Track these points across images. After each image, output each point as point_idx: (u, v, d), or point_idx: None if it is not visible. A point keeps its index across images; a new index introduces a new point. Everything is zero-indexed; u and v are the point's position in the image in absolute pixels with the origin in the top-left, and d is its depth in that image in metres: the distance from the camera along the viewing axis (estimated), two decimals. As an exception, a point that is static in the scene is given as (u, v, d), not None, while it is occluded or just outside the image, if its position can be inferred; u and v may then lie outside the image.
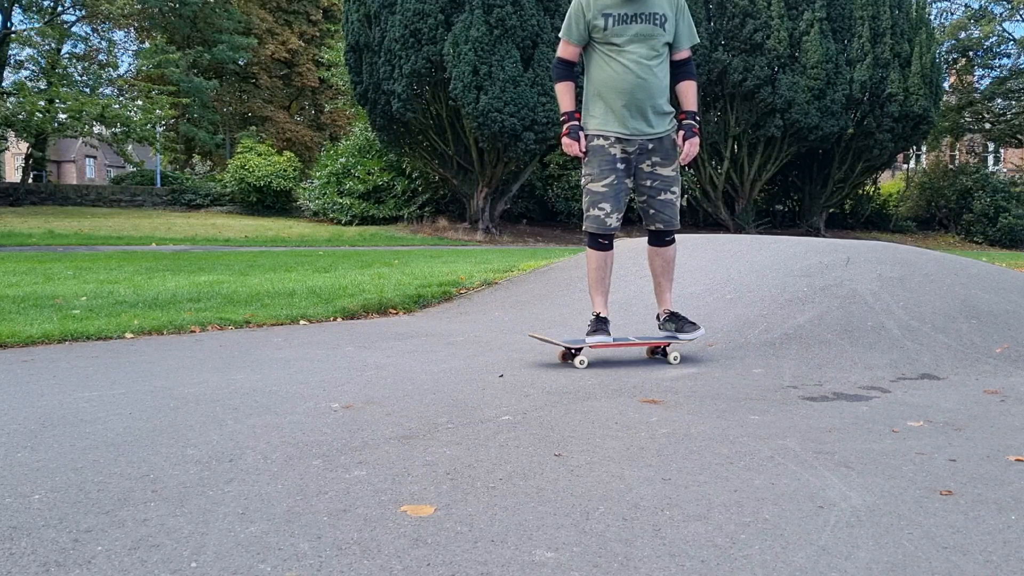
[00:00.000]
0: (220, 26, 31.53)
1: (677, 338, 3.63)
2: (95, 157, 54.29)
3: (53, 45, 26.61)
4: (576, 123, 3.52)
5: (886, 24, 20.20)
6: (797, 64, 19.79)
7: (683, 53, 3.59)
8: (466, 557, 1.50)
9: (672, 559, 1.51)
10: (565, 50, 3.58)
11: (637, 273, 5.08)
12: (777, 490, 1.89)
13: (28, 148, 27.64)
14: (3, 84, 25.23)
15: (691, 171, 20.91)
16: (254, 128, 34.22)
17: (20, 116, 23.03)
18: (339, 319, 5.03)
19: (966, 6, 29.26)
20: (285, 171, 23.41)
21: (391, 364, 3.45)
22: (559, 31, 3.72)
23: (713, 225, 21.84)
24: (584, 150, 3.54)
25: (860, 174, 22.38)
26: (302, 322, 4.83)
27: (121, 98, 27.98)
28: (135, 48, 33.50)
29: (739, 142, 21.21)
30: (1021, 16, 27.97)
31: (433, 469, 2.01)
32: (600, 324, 3.57)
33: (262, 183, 23.01)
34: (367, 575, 1.43)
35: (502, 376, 3.20)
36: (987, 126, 29.40)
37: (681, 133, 3.55)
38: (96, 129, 25.93)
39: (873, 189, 25.23)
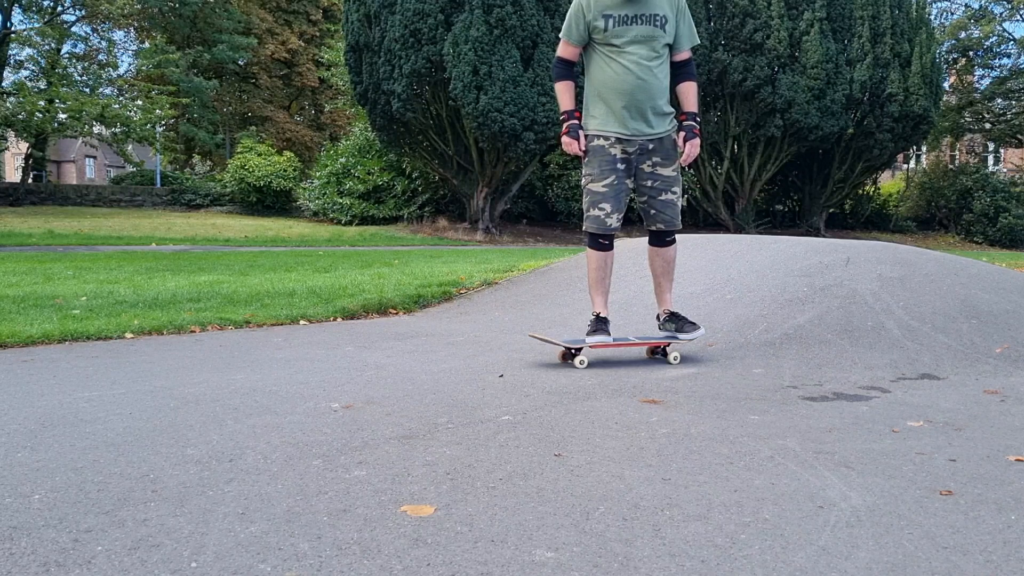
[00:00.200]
0: (220, 26, 31.53)
1: (677, 338, 3.63)
2: (95, 157, 54.29)
3: (53, 45, 26.61)
4: (576, 122, 3.53)
5: (886, 24, 20.21)
6: (797, 64, 19.80)
7: (683, 54, 3.59)
8: (466, 557, 1.50)
9: (672, 559, 1.51)
10: (565, 50, 3.58)
11: (637, 273, 5.08)
12: (777, 490, 1.89)
13: (28, 148, 27.64)
14: (3, 84, 25.23)
15: (691, 171, 20.91)
16: (254, 128, 34.23)
17: (20, 116, 23.04)
18: (339, 319, 5.03)
19: (966, 6, 29.28)
20: (285, 171, 23.41)
21: (391, 364, 3.45)
22: (559, 31, 3.72)
23: (713, 225, 21.85)
24: (584, 150, 3.55)
25: (860, 174, 22.38)
26: (302, 322, 4.83)
27: (121, 98, 27.99)
28: (135, 48, 33.51)
29: (739, 142, 21.22)
30: (1021, 16, 27.97)
31: (433, 469, 2.01)
32: (600, 324, 3.57)
33: (262, 183, 23.01)
34: (367, 575, 1.43)
35: (502, 376, 3.20)
36: (987, 126, 29.40)
37: (682, 134, 3.55)
38: (96, 129, 25.94)
39: (873, 189, 25.24)
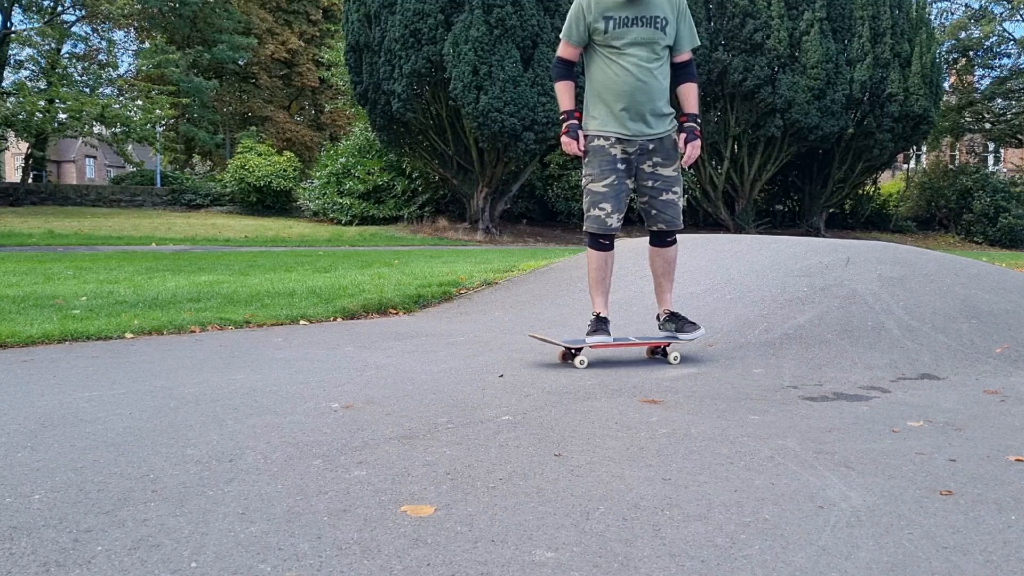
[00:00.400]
0: (220, 26, 31.53)
1: (677, 338, 3.63)
2: (95, 157, 54.29)
3: (53, 45, 26.61)
4: (575, 122, 3.53)
5: (886, 24, 20.21)
6: (797, 64, 19.80)
7: (684, 55, 3.58)
8: (466, 557, 1.50)
9: (672, 559, 1.51)
10: (565, 50, 3.58)
11: (637, 273, 5.08)
12: (777, 490, 1.89)
13: (28, 148, 27.64)
14: (3, 84, 25.23)
15: (691, 171, 20.91)
16: (254, 128, 34.22)
17: (20, 116, 23.04)
18: (339, 319, 5.03)
19: (966, 6, 29.28)
20: (285, 171, 23.41)
21: (391, 364, 3.45)
22: (559, 31, 3.72)
23: (713, 225, 21.85)
24: (584, 150, 3.55)
25: (860, 174, 22.39)
26: (302, 322, 4.83)
27: (121, 98, 27.98)
28: (135, 48, 33.52)
29: (739, 142, 21.22)
30: (1021, 16, 27.97)
31: (433, 469, 2.01)
32: (600, 324, 3.57)
33: (262, 183, 23.01)
34: (367, 575, 1.43)
35: (502, 376, 3.20)
36: (987, 126, 29.40)
37: (683, 136, 3.55)
38: (96, 129, 25.93)
39: (873, 189, 25.24)
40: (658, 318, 3.75)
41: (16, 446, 2.15)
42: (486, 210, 19.07)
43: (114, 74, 29.26)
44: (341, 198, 21.35)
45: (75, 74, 27.20)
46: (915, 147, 26.09)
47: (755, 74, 19.50)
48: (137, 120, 24.84)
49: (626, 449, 2.21)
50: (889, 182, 29.27)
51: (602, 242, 3.58)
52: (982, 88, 28.98)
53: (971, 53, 28.28)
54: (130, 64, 34.97)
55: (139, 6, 28.27)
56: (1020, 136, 28.37)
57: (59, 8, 26.60)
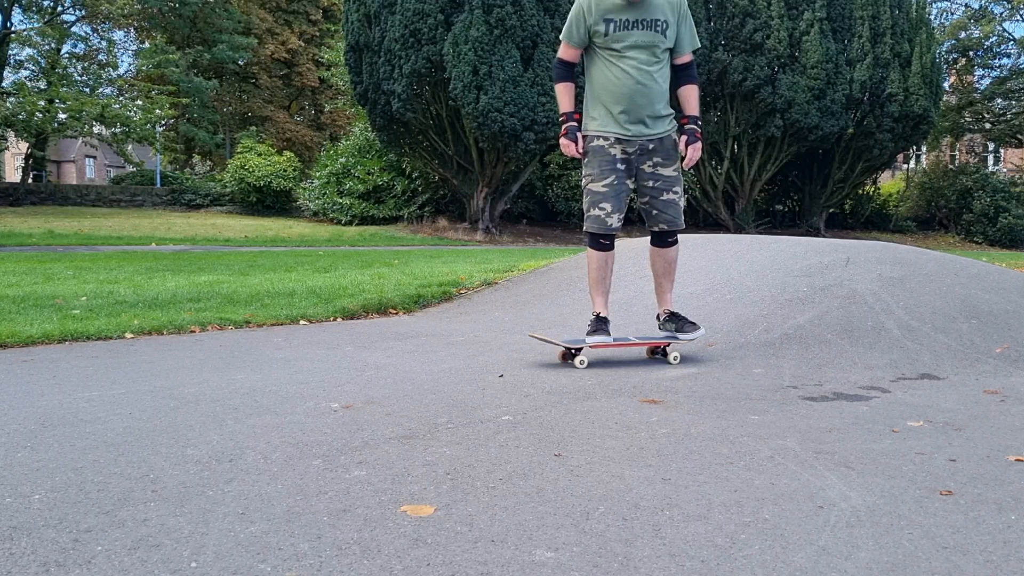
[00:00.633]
0: (220, 26, 31.53)
1: (677, 338, 3.63)
2: (95, 157, 54.29)
3: (53, 45, 26.61)
4: (574, 124, 3.53)
5: (886, 24, 20.20)
6: (797, 64, 19.79)
7: (685, 57, 3.58)
8: (466, 557, 1.50)
9: (672, 559, 1.51)
10: (566, 52, 3.58)
11: (637, 273, 5.08)
12: (777, 490, 1.89)
13: (28, 148, 27.63)
14: (3, 84, 25.23)
15: (691, 171, 20.89)
16: (254, 128, 34.22)
17: (20, 116, 23.04)
18: (339, 319, 5.03)
19: (966, 6, 29.28)
20: (285, 171, 23.41)
21: (391, 364, 3.45)
22: (559, 31, 3.73)
23: (713, 225, 21.85)
24: (584, 151, 3.55)
25: (860, 174, 22.38)
26: (302, 322, 4.83)
27: (121, 98, 27.97)
28: (135, 48, 33.51)
29: (739, 142, 21.22)
30: (1021, 16, 27.97)
31: (433, 469, 2.01)
32: (600, 324, 3.57)
33: (262, 183, 23.01)
34: (367, 575, 1.43)
35: (502, 376, 3.20)
36: (987, 126, 29.40)
37: (684, 138, 3.55)
38: (96, 129, 25.93)
39: (873, 189, 25.24)
40: (658, 318, 3.75)
41: (16, 446, 2.15)
42: (486, 210, 19.07)
43: (114, 74, 29.28)
44: (341, 198, 21.34)
45: (75, 74, 27.21)
46: (915, 147, 26.08)
47: (755, 74, 19.50)
48: (137, 120, 24.84)
49: (626, 449, 2.21)
50: (889, 182, 29.27)
51: (602, 242, 3.58)
52: (982, 88, 28.98)
53: (971, 53, 28.28)
54: (130, 64, 34.98)
55: (139, 6, 28.27)
56: (1020, 136, 28.37)
57: (59, 8, 26.60)
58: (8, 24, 25.11)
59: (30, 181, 27.64)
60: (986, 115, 29.02)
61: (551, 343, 3.57)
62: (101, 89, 26.97)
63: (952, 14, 29.72)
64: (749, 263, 5.00)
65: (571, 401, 2.79)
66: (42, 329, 4.06)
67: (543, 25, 16.91)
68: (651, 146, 3.52)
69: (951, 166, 27.39)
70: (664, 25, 3.43)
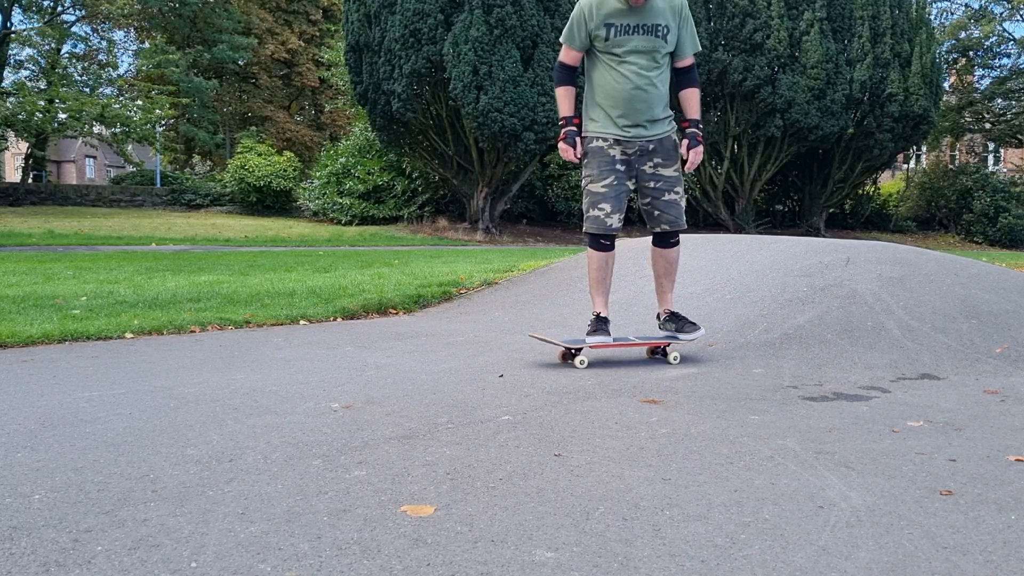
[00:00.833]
0: (220, 26, 31.53)
1: (677, 338, 3.63)
2: (95, 157, 54.29)
3: (53, 45, 26.62)
4: (573, 128, 3.52)
5: (886, 24, 20.20)
6: (797, 64, 19.79)
7: (686, 61, 3.58)
8: (466, 557, 1.50)
9: (672, 559, 1.51)
10: (567, 55, 3.57)
11: (637, 273, 5.08)
12: (777, 490, 1.89)
13: (28, 148, 27.64)
14: (3, 84, 25.23)
15: (691, 171, 20.88)
16: (254, 128, 34.22)
17: (20, 116, 23.04)
18: (339, 319, 5.03)
19: (966, 6, 29.27)
20: (285, 171, 23.41)
21: (391, 364, 3.45)
22: (559, 31, 3.73)
23: (713, 225, 21.84)
24: (583, 153, 3.56)
25: (860, 174, 22.38)
26: (302, 322, 4.83)
27: (121, 98, 27.97)
28: (135, 48, 33.52)
29: (739, 142, 21.21)
30: (1021, 16, 27.97)
31: (433, 469, 2.01)
32: (600, 324, 3.57)
33: (262, 183, 23.01)
34: (367, 575, 1.43)
35: (502, 376, 3.20)
36: (987, 126, 29.39)
37: (685, 142, 3.56)
38: (96, 129, 25.93)
39: (873, 189, 25.23)
40: (658, 317, 3.75)
41: (16, 446, 2.15)
42: (486, 210, 19.07)
43: (114, 74, 29.28)
44: (341, 198, 21.35)
45: (75, 74, 27.22)
46: (915, 147, 26.08)
47: (755, 74, 19.49)
48: (137, 120, 24.84)
49: (626, 449, 2.21)
50: (889, 182, 29.26)
51: (603, 242, 3.58)
52: (982, 88, 28.97)
53: (971, 53, 28.27)
54: (130, 64, 35.00)
55: (139, 6, 28.26)
56: (1020, 136, 28.37)
57: (59, 8, 26.60)
58: (8, 24, 25.11)
59: (30, 181, 27.64)
60: (986, 115, 29.02)
61: (551, 343, 3.57)
62: (101, 89, 26.98)
63: (952, 14, 29.73)
64: (749, 263, 5.00)
65: (571, 401, 2.79)
66: (42, 329, 4.06)
67: (543, 25, 16.91)
68: (651, 147, 3.53)
69: (951, 166, 27.38)
70: (665, 30, 3.43)
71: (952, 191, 24.69)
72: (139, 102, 26.87)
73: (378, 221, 20.81)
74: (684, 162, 3.56)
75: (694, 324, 3.63)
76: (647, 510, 1.75)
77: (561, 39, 3.59)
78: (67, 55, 27.93)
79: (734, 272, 4.87)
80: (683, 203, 3.65)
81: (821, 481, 1.96)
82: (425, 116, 18.20)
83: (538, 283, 5.89)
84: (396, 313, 5.35)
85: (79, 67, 27.98)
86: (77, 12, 27.60)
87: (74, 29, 27.96)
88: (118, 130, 24.66)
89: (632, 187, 3.61)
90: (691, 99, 3.61)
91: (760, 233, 19.11)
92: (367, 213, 20.87)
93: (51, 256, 10.40)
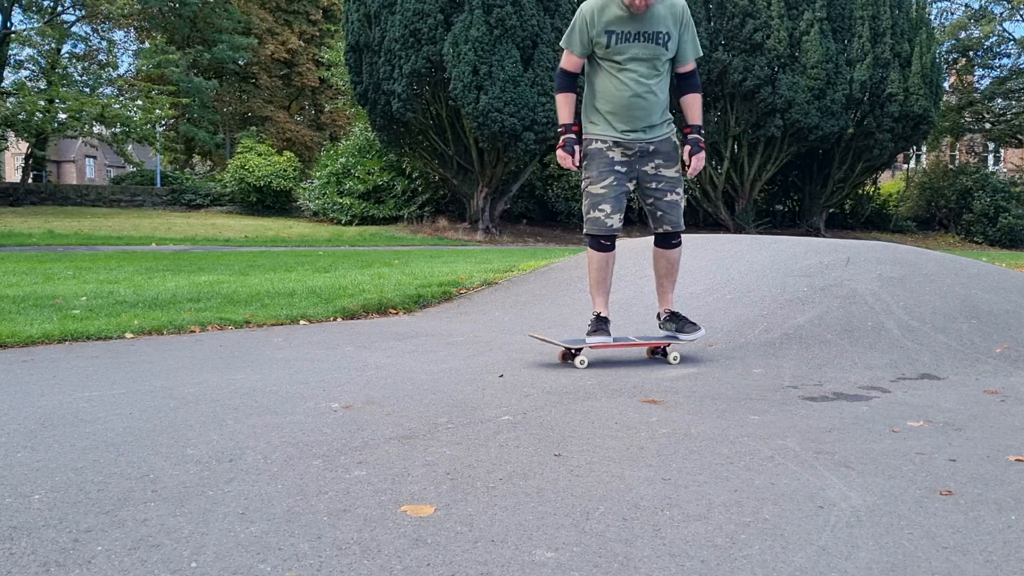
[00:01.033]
0: (220, 26, 31.53)
1: (677, 338, 3.63)
2: (95, 157, 54.29)
3: (53, 45, 26.61)
4: (572, 136, 3.52)
5: (886, 24, 20.20)
6: (797, 64, 19.79)
7: (688, 66, 3.58)
8: (466, 557, 1.50)
9: (672, 559, 1.51)
10: (568, 61, 3.55)
11: (637, 273, 5.08)
12: (777, 490, 1.89)
13: (28, 148, 27.64)
14: (3, 84, 25.23)
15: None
16: (254, 128, 34.21)
17: (20, 116, 23.04)
18: (339, 319, 5.03)
19: (966, 6, 29.27)
20: (285, 171, 23.41)
21: (391, 364, 3.45)
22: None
23: (713, 225, 21.84)
24: (582, 156, 3.57)
25: (860, 174, 22.38)
26: (302, 322, 4.83)
27: (121, 98, 27.97)
28: (135, 48, 33.52)
29: (739, 142, 21.21)
30: (1021, 16, 27.97)
31: (433, 469, 2.01)
32: (600, 324, 3.57)
33: (262, 183, 23.01)
34: (367, 575, 1.43)
35: (502, 376, 3.20)
36: (987, 126, 29.39)
37: (687, 148, 3.56)
38: (96, 129, 25.94)
39: (873, 189, 25.23)
40: (658, 317, 3.75)
41: (16, 446, 2.15)
42: (486, 210, 19.07)
43: (114, 74, 29.29)
44: (341, 198, 21.35)
45: (75, 74, 27.22)
46: (915, 147, 26.07)
47: (755, 74, 19.49)
48: (137, 120, 24.85)
49: (626, 449, 2.21)
50: (889, 182, 29.25)
51: (603, 243, 3.58)
52: (982, 88, 28.97)
53: (971, 53, 28.26)
54: (130, 64, 35.00)
55: (139, 6, 28.26)
56: (1020, 136, 28.36)
57: (59, 8, 26.60)
58: (8, 24, 25.11)
59: (30, 181, 27.64)
60: (986, 115, 29.01)
61: (551, 343, 3.57)
62: (101, 89, 26.98)
63: (952, 14, 29.72)
64: (749, 263, 5.00)
65: (571, 401, 2.79)
66: (42, 329, 4.06)
67: (543, 25, 16.91)
68: (651, 148, 3.53)
69: (951, 166, 27.38)
70: (666, 37, 3.42)
71: (952, 191, 24.69)
72: (139, 102, 26.88)
73: (378, 221, 20.81)
74: (686, 167, 3.56)
75: (694, 324, 3.63)
76: (647, 510, 1.75)
77: (562, 44, 3.58)
78: (67, 55, 27.94)
79: (734, 272, 4.87)
80: (682, 204, 3.66)
81: (821, 481, 1.96)
82: (425, 116, 18.20)
83: (538, 283, 5.89)
84: (396, 313, 5.36)
85: (79, 67, 27.99)
86: (77, 12, 27.61)
87: (74, 29, 27.97)
88: (118, 130, 24.66)
89: (632, 187, 3.62)
90: (693, 104, 3.61)
91: (760, 233, 19.11)
92: (367, 213, 20.87)
93: (51, 256, 10.40)
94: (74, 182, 44.87)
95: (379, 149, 21.13)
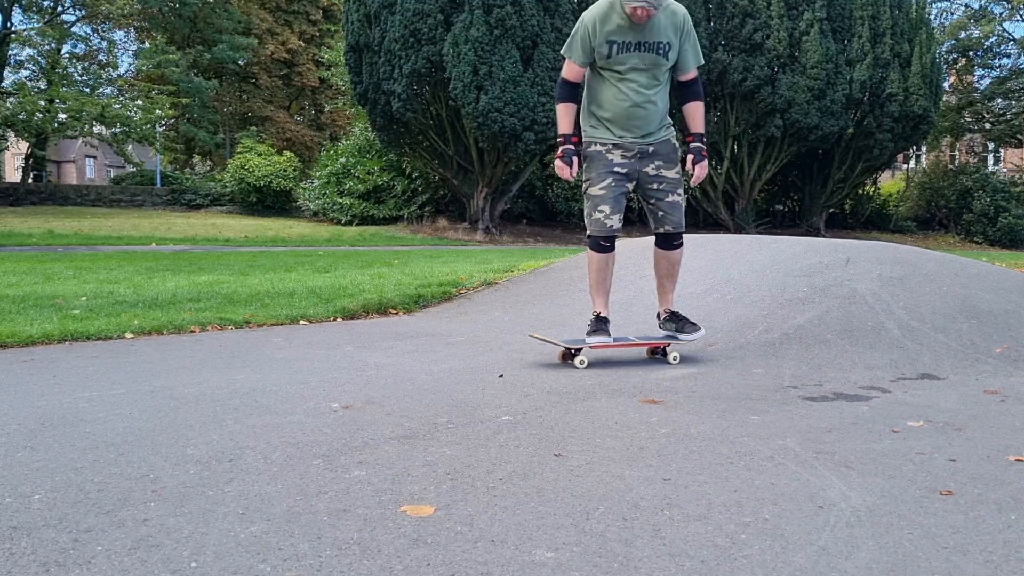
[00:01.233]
0: (220, 26, 31.52)
1: (677, 338, 3.63)
2: (95, 157, 54.28)
3: (53, 45, 26.61)
4: (571, 147, 3.51)
5: (886, 24, 20.20)
6: (797, 64, 19.79)
7: (690, 74, 3.57)
8: (466, 557, 1.50)
9: (672, 559, 1.51)
10: (569, 71, 3.53)
11: (637, 273, 5.08)
12: (777, 490, 1.89)
13: (28, 148, 27.64)
14: (3, 84, 25.22)
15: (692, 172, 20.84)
16: (254, 128, 34.21)
17: (20, 116, 23.03)
18: (339, 319, 5.03)
19: (966, 6, 29.26)
20: (285, 171, 23.41)
21: (391, 364, 3.45)
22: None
23: (713, 225, 21.84)
24: (582, 158, 3.58)
25: (860, 174, 22.37)
26: (302, 322, 4.83)
27: (121, 98, 27.97)
28: (135, 48, 33.51)
29: (739, 142, 21.21)
30: (1021, 16, 27.96)
31: (433, 469, 2.01)
32: (600, 324, 3.57)
33: (262, 183, 23.01)
34: (367, 575, 1.43)
35: (502, 376, 3.20)
36: (987, 126, 29.38)
37: (690, 157, 3.57)
38: (96, 129, 25.93)
39: (873, 189, 25.23)
40: (658, 317, 3.75)
41: (16, 446, 2.15)
42: (486, 210, 19.07)
43: (114, 74, 29.27)
44: (341, 198, 21.35)
45: (75, 74, 27.20)
46: (915, 147, 26.07)
47: (755, 74, 19.49)
48: (137, 120, 24.84)
49: (626, 449, 2.21)
50: (889, 182, 29.25)
51: (603, 244, 3.58)
52: (982, 88, 28.96)
53: (971, 53, 28.26)
54: (130, 64, 34.96)
55: (139, 6, 28.25)
56: (1020, 136, 28.36)
57: (59, 8, 26.59)
58: (8, 24, 25.11)
59: (30, 181, 27.64)
60: (986, 115, 29.01)
61: (551, 343, 3.57)
62: (101, 89, 26.97)
63: (952, 14, 29.71)
64: (749, 263, 5.00)
65: (571, 401, 2.79)
66: (42, 329, 4.06)
67: (543, 25, 16.90)
68: (651, 149, 3.54)
69: (951, 166, 27.38)
70: (667, 47, 3.42)
71: (952, 191, 24.68)
72: (139, 102, 26.87)
73: (378, 221, 20.81)
74: (689, 176, 3.57)
75: (694, 324, 3.63)
76: (647, 510, 1.75)
77: (563, 52, 3.55)
78: (67, 55, 27.93)
79: (734, 272, 4.87)
80: (684, 204, 3.66)
81: (821, 481, 1.96)
82: (425, 116, 18.20)
83: (538, 283, 5.89)
84: (396, 313, 5.36)
85: (79, 67, 27.97)
86: (77, 12, 27.61)
87: (74, 29, 27.96)
88: (118, 130, 24.66)
89: (631, 188, 3.62)
90: (695, 113, 3.61)
91: (760, 233, 19.12)
92: (367, 213, 20.87)
93: (51, 256, 10.40)
94: (74, 182, 44.87)
95: (379, 149, 21.13)
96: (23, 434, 2.27)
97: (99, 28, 29.87)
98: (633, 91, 3.43)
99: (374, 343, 4.06)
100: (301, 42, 35.12)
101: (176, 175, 30.10)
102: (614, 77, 3.44)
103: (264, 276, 7.20)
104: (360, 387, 2.97)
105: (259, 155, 23.81)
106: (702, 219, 22.33)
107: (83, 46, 29.23)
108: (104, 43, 30.03)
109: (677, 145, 3.62)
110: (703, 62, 3.68)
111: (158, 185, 28.08)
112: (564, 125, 3.52)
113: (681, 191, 3.62)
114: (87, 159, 54.36)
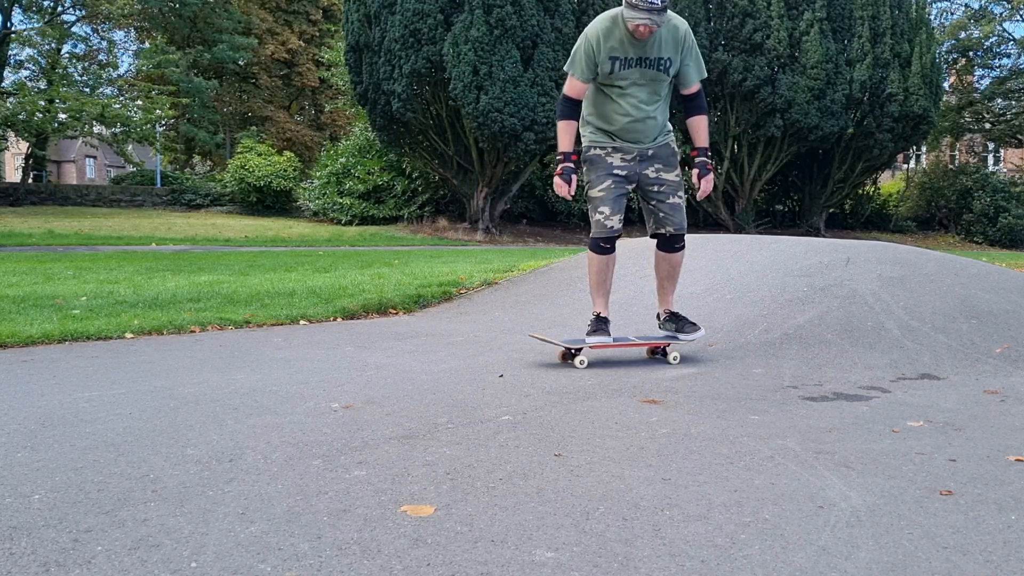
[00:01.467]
0: (220, 26, 31.51)
1: (677, 338, 3.63)
2: (95, 157, 54.27)
3: (53, 45, 26.61)
4: (571, 165, 3.49)
5: (886, 24, 20.20)
6: (797, 64, 19.79)
7: (692, 88, 3.57)
8: (466, 557, 1.50)
9: (672, 559, 1.51)
10: (572, 88, 3.49)
11: (637, 273, 5.08)
12: (777, 490, 1.89)
13: (28, 148, 27.64)
14: (3, 84, 25.22)
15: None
16: (254, 128, 34.19)
17: (20, 116, 23.03)
18: (339, 319, 5.03)
19: (966, 6, 29.26)
20: (285, 171, 23.41)
21: (391, 364, 3.45)
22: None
23: (713, 225, 21.84)
24: (582, 161, 3.59)
25: (860, 174, 22.38)
26: (302, 322, 4.83)
27: (121, 98, 27.96)
28: (135, 48, 33.52)
29: (739, 142, 21.21)
30: (1021, 16, 27.96)
31: (433, 469, 2.01)
32: (600, 324, 3.57)
33: (262, 183, 23.01)
34: (367, 575, 1.43)
35: (502, 376, 3.20)
36: (987, 126, 29.38)
37: (695, 171, 3.58)
38: (96, 129, 25.93)
39: (873, 189, 25.23)
40: (658, 317, 3.75)
41: (16, 446, 2.15)
42: (486, 210, 19.07)
43: (114, 74, 29.27)
44: (341, 198, 21.34)
45: (75, 74, 27.20)
46: (915, 147, 26.08)
47: (755, 74, 19.49)
48: (137, 120, 24.84)
49: (626, 449, 2.21)
50: (889, 182, 29.24)
51: (603, 245, 3.59)
52: (982, 88, 28.96)
53: (971, 53, 28.25)
54: (130, 64, 34.97)
55: (139, 6, 28.25)
56: (1020, 136, 28.35)
57: (59, 8, 26.59)
58: (8, 24, 25.11)
59: (30, 181, 27.65)
60: (986, 115, 29.00)
61: (551, 343, 3.57)
62: (101, 89, 26.96)
63: (952, 14, 29.71)
64: (749, 263, 5.00)
65: (571, 401, 2.79)
66: (42, 329, 4.06)
67: (543, 25, 16.90)
68: (651, 152, 3.55)
69: (951, 166, 27.38)
70: (668, 63, 3.42)
71: (952, 191, 24.68)
72: (139, 102, 26.86)
73: (378, 221, 20.81)
74: (696, 190, 3.57)
75: (694, 324, 3.63)
76: (647, 510, 1.75)
77: (566, 68, 3.53)
78: (67, 55, 27.93)
79: (734, 272, 4.87)
80: (684, 206, 3.67)
81: (821, 481, 1.96)
82: (425, 116, 18.20)
83: (538, 283, 5.89)
84: (396, 313, 5.36)
85: (79, 67, 27.97)
86: (77, 12, 27.61)
87: (74, 29, 27.96)
88: (118, 130, 24.66)
89: (631, 189, 3.62)
90: (699, 127, 3.60)
91: (760, 233, 19.11)
92: (367, 213, 20.87)
93: (51, 256, 10.40)
94: (74, 182, 44.87)
95: (379, 149, 21.13)
96: (23, 434, 2.27)
97: (99, 28, 29.88)
98: (633, 106, 3.44)
99: (374, 343, 4.06)
100: (301, 42, 35.12)
101: (176, 175, 30.11)
102: (615, 92, 3.45)
103: (264, 276, 7.20)
104: (360, 387, 2.97)
105: (259, 155, 23.81)
106: (702, 219, 22.32)
107: (83, 46, 29.25)
108: (104, 43, 30.06)
109: (676, 148, 3.63)
110: (706, 75, 3.67)
111: (158, 185, 28.08)
112: (564, 143, 3.50)
113: (682, 193, 3.62)
114: (87, 159, 54.35)
